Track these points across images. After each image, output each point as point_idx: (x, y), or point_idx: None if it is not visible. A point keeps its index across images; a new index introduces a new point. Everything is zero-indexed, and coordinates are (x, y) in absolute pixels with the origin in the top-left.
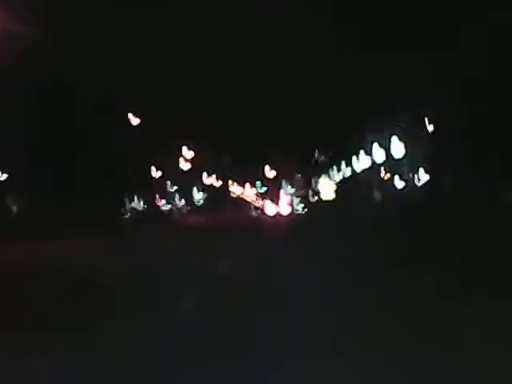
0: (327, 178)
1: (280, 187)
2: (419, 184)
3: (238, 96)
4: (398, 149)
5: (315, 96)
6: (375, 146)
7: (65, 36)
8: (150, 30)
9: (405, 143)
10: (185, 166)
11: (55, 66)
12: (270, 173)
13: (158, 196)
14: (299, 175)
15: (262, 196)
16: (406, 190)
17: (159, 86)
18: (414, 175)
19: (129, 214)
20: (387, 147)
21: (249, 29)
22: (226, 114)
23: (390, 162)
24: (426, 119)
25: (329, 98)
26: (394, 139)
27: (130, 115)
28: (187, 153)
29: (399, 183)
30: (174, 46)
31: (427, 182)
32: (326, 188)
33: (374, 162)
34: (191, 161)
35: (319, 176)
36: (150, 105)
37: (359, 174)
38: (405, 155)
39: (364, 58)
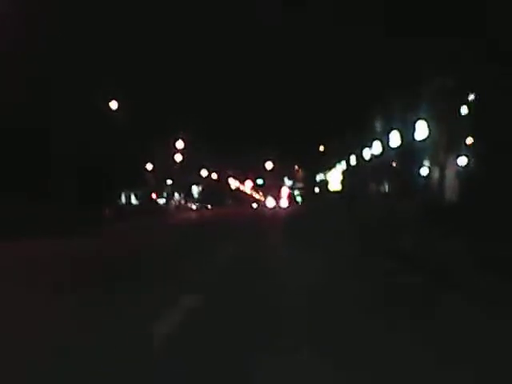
0: (335, 170)
1: (279, 179)
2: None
3: (237, 85)
4: (422, 132)
5: (319, 85)
6: (393, 132)
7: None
8: (141, 17)
9: (429, 126)
10: (179, 158)
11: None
12: (268, 165)
13: (153, 190)
14: (298, 167)
15: (261, 189)
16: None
17: (153, 76)
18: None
19: (107, 210)
20: (404, 131)
21: (245, 18)
22: (223, 103)
23: (409, 147)
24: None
25: (334, 87)
26: (420, 122)
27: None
28: (181, 145)
29: (422, 171)
30: (167, 32)
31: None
32: (335, 179)
33: (386, 148)
34: (185, 153)
35: (329, 169)
36: (142, 96)
37: (367, 161)
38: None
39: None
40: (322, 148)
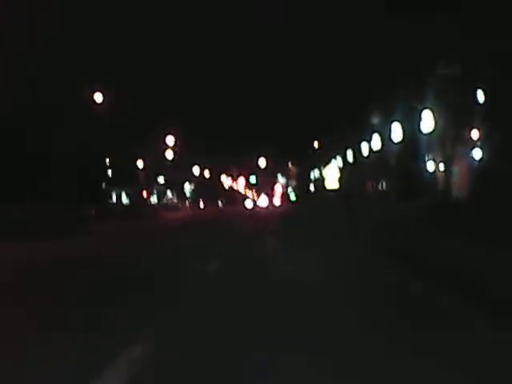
0: (332, 167)
1: (273, 177)
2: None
3: (236, 84)
4: (427, 124)
5: (318, 84)
6: (394, 124)
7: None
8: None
9: (434, 117)
10: (170, 155)
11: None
12: (261, 162)
13: (144, 189)
14: (291, 164)
15: (254, 187)
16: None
17: (152, 75)
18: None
19: (93, 210)
20: (407, 123)
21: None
22: (221, 102)
23: (413, 140)
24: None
25: (333, 85)
26: (426, 113)
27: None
28: (172, 141)
29: (429, 166)
30: (167, 32)
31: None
32: (331, 176)
33: (386, 142)
34: (177, 150)
35: (324, 165)
36: (140, 95)
37: (365, 157)
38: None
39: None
40: (316, 144)
